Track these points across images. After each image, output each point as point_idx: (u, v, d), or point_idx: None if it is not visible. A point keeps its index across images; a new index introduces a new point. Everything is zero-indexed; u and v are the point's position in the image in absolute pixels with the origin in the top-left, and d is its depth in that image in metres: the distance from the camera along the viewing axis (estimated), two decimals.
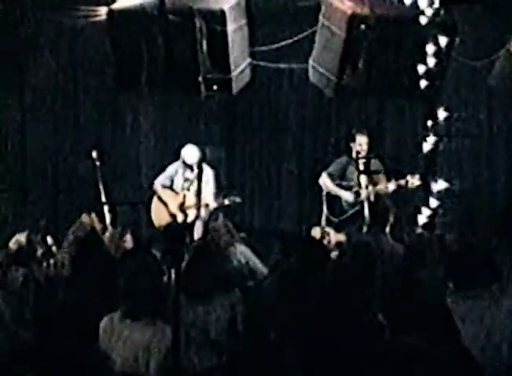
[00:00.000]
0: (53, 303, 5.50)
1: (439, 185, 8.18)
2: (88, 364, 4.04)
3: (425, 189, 8.25)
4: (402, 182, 8.15)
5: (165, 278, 5.09)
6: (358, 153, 8.29)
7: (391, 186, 8.18)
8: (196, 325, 5.08)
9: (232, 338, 5.11)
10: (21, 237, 6.22)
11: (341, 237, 6.80)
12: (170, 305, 4.72)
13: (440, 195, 8.22)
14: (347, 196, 8.36)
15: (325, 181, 8.50)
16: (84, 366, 3.91)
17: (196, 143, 8.55)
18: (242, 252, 6.58)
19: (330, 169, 8.54)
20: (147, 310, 4.70)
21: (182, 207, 8.48)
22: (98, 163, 7.88)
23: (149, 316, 4.69)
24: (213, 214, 8.44)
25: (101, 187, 7.74)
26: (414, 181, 8.12)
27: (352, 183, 8.36)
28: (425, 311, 4.10)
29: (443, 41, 7.66)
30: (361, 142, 8.30)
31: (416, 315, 4.10)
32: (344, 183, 8.41)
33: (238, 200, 8.41)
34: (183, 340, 4.73)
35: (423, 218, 8.26)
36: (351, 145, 8.38)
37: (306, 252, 5.75)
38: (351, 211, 8.33)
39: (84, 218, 6.76)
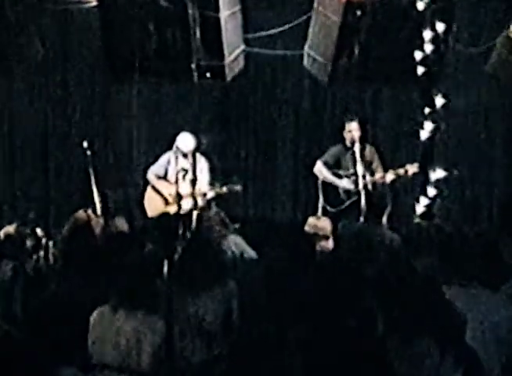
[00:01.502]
0: (43, 295, 5.43)
1: (437, 173, 8.09)
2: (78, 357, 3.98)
3: (423, 178, 8.16)
4: (401, 171, 8.06)
5: (158, 269, 5.01)
6: (353, 141, 8.19)
7: (390, 176, 8.09)
8: (190, 317, 5.03)
9: (226, 329, 5.07)
10: (10, 229, 6.14)
11: (328, 225, 6.65)
12: (163, 296, 4.66)
13: (438, 184, 8.13)
14: (344, 183, 8.24)
15: (320, 169, 8.40)
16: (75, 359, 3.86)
17: (190, 131, 8.44)
18: (236, 243, 6.51)
19: (325, 157, 8.42)
20: (139, 302, 4.66)
21: (178, 197, 8.36)
22: (89, 152, 7.77)
23: (141, 307, 4.65)
24: (208, 204, 8.34)
25: (92, 177, 7.65)
26: (413, 169, 8.03)
27: (349, 172, 8.25)
28: (421, 301, 4.05)
29: (440, 27, 7.61)
30: (350, 129, 8.19)
31: (412, 305, 4.04)
32: (341, 172, 8.31)
33: (238, 188, 8.24)
34: (176, 332, 4.68)
35: (420, 207, 8.17)
36: (344, 134, 8.27)
37: (294, 242, 5.69)
38: (348, 202, 8.23)
39: (80, 213, 6.66)
